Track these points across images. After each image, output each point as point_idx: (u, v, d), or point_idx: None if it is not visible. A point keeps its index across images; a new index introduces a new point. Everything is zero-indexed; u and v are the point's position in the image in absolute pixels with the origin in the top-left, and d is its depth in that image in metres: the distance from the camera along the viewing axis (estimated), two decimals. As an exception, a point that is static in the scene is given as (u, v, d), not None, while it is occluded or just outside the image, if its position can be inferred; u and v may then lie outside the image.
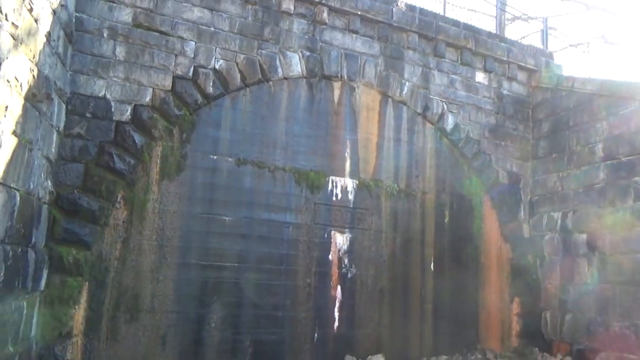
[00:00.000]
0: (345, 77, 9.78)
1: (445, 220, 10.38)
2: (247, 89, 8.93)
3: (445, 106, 10.71)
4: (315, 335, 8.79)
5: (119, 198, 7.73)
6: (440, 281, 10.06)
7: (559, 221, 10.37)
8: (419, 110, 10.41)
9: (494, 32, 12.04)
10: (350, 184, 9.53)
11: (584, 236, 9.77)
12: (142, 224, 7.85)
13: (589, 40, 18.05)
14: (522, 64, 11.63)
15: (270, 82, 9.14)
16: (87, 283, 7.29)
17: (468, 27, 11.20)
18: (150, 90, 8.15)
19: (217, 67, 8.69)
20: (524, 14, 15.16)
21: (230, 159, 8.63)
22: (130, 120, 7.93)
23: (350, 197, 9.50)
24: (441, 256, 10.17)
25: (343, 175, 9.51)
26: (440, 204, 10.39)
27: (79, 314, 7.20)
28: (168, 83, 8.29)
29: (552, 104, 11.09)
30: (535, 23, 14.11)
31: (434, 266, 10.06)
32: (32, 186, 6.15)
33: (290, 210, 8.95)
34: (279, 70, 9.22)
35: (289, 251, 8.83)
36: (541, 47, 12.45)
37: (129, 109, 7.94)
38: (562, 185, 10.48)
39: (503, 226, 10.94)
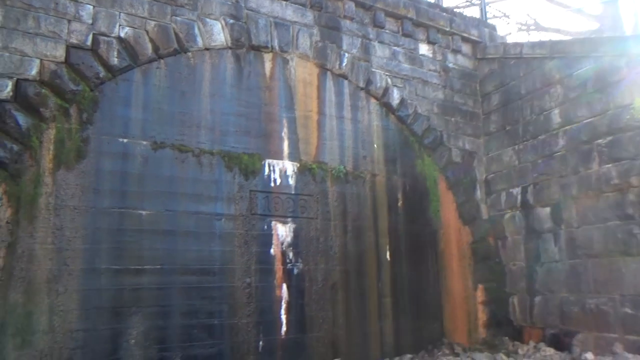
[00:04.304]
0: (277, 48, 8.60)
1: (399, 204, 9.35)
2: (161, 60, 7.57)
3: (389, 80, 9.74)
4: (260, 343, 7.42)
5: (0, 194, 6.16)
6: (399, 272, 8.98)
7: (519, 197, 9.57)
8: (362, 85, 9.38)
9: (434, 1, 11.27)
10: (290, 167, 8.31)
11: (548, 210, 8.98)
12: (32, 224, 6.28)
13: (530, 24, 17.91)
14: (466, 35, 10.88)
15: (189, 53, 7.82)
16: (-42, 302, 5.66)
17: (407, -5, 10.34)
18: (37, 61, 6.64)
19: (122, 35, 7.29)
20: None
21: (144, 142, 7.21)
22: (12, 98, 6.39)
23: (291, 182, 8.27)
24: (397, 244, 9.10)
25: (281, 158, 8.28)
26: (392, 186, 9.35)
27: (-52, 343, 5.56)
28: (60, 53, 6.81)
29: (501, 74, 10.37)
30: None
31: (390, 256, 8.97)
32: None
33: (222, 200, 7.61)
34: (199, 39, 7.92)
35: (223, 247, 7.46)
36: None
37: (10, 84, 6.39)
38: (519, 159, 9.71)
39: (460, 208, 10.05)
